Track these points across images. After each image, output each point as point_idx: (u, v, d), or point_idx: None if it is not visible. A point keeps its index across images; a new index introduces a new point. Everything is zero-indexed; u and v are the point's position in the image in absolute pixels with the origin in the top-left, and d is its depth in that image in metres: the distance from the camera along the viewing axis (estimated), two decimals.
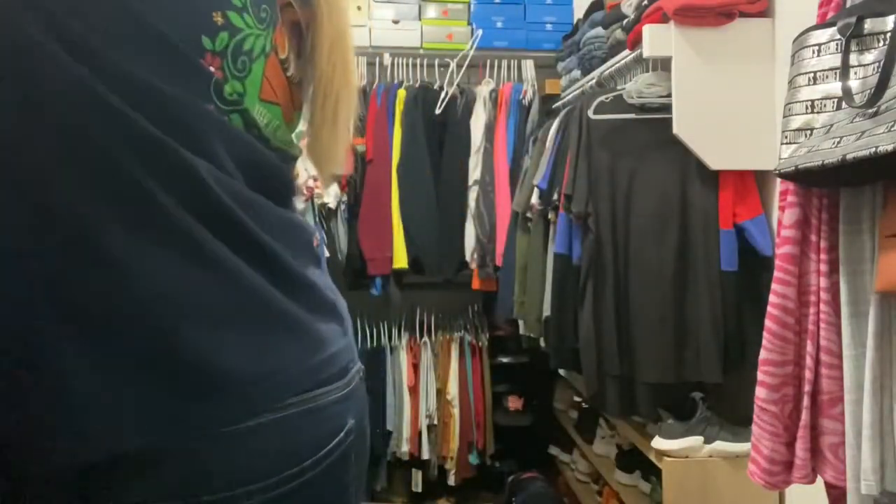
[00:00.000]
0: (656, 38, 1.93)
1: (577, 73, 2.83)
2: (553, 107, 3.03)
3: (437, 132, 3.07)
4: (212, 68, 0.62)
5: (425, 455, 3.07)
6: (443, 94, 3.06)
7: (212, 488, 0.59)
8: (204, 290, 0.60)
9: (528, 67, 3.17)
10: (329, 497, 0.66)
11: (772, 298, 1.18)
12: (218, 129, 0.62)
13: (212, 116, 0.62)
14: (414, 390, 3.08)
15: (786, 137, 1.14)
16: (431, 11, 3.28)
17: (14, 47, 0.55)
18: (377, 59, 3.15)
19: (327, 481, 0.65)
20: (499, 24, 3.27)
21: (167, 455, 0.58)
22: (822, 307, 1.13)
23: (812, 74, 1.11)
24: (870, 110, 0.98)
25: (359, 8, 3.13)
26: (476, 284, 3.04)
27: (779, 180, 1.19)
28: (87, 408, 0.56)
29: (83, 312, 0.56)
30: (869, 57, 1.03)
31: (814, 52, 1.11)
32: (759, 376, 1.20)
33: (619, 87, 2.21)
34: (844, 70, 1.05)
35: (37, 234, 0.56)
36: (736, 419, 1.95)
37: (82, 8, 0.56)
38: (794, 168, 1.05)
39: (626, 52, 2.17)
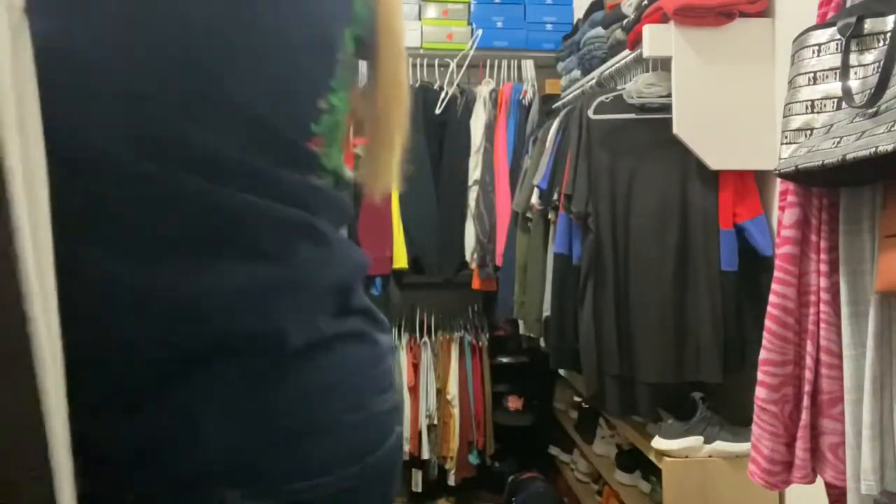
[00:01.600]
0: (656, 38, 1.93)
1: (577, 73, 2.83)
2: (553, 107, 3.03)
3: (437, 132, 3.07)
4: (315, 148, 0.70)
5: (425, 455, 3.07)
6: (443, 94, 3.06)
7: (302, 476, 0.66)
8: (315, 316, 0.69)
9: (528, 67, 3.17)
10: (378, 494, 0.74)
11: (772, 298, 1.18)
12: (320, 195, 0.71)
13: (316, 187, 0.71)
14: (414, 390, 3.08)
15: (786, 137, 1.14)
16: (431, 11, 3.28)
17: (165, 191, 0.62)
18: None
19: (379, 479, 0.73)
20: (499, 24, 3.27)
21: (266, 455, 0.66)
22: (822, 307, 1.13)
23: (812, 74, 1.11)
24: (870, 110, 0.99)
25: None
26: (476, 284, 3.04)
27: (779, 180, 1.19)
28: (210, 433, 0.63)
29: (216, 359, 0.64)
30: (869, 57, 1.03)
31: (814, 52, 1.11)
32: (759, 376, 1.20)
33: (619, 87, 2.21)
34: (844, 70, 1.05)
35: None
36: (736, 419, 1.95)
37: (220, 127, 0.63)
38: (794, 168, 1.06)
39: (626, 52, 2.17)
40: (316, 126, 0.70)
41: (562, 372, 2.90)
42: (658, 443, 1.94)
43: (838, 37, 1.07)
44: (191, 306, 0.63)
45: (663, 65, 2.03)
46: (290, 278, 0.67)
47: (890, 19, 1.00)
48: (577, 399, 2.90)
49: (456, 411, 3.08)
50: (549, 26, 3.30)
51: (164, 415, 0.63)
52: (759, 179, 1.98)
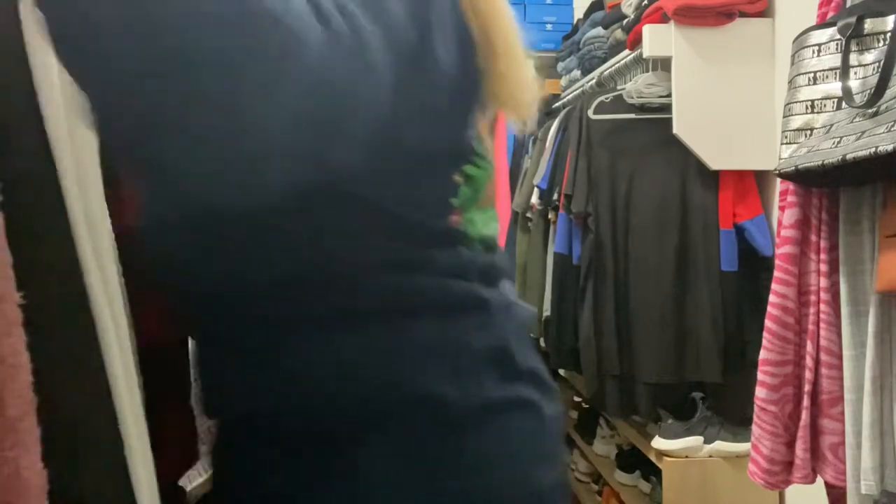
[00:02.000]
0: (656, 38, 1.93)
1: (577, 73, 2.83)
2: (553, 107, 3.02)
3: None
4: (454, 217, 0.68)
5: None
6: None
7: None
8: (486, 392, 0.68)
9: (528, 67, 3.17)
10: None
11: (772, 298, 1.18)
12: (472, 262, 0.69)
13: (467, 255, 0.69)
14: None
15: (786, 137, 1.15)
16: None
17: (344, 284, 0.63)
18: None
19: None
20: None
21: None
22: (822, 307, 1.13)
23: (812, 74, 1.11)
24: (870, 110, 0.99)
25: None
26: None
27: (779, 180, 1.19)
28: (375, 492, 0.63)
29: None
30: (869, 57, 1.03)
31: (814, 52, 1.11)
32: (759, 376, 1.20)
33: (619, 87, 2.21)
34: (844, 70, 1.05)
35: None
36: (736, 419, 1.95)
37: (382, 242, 0.65)
38: (794, 168, 1.06)
39: (626, 52, 2.17)
40: (455, 200, 0.68)
41: (562, 372, 2.90)
42: (658, 443, 1.94)
43: (838, 37, 1.07)
44: (353, 373, 0.63)
45: (663, 65, 2.03)
46: (449, 344, 0.66)
47: (890, 19, 1.00)
48: (577, 399, 2.90)
49: None
50: (549, 26, 3.29)
51: (328, 482, 0.63)
52: (759, 179, 1.98)
